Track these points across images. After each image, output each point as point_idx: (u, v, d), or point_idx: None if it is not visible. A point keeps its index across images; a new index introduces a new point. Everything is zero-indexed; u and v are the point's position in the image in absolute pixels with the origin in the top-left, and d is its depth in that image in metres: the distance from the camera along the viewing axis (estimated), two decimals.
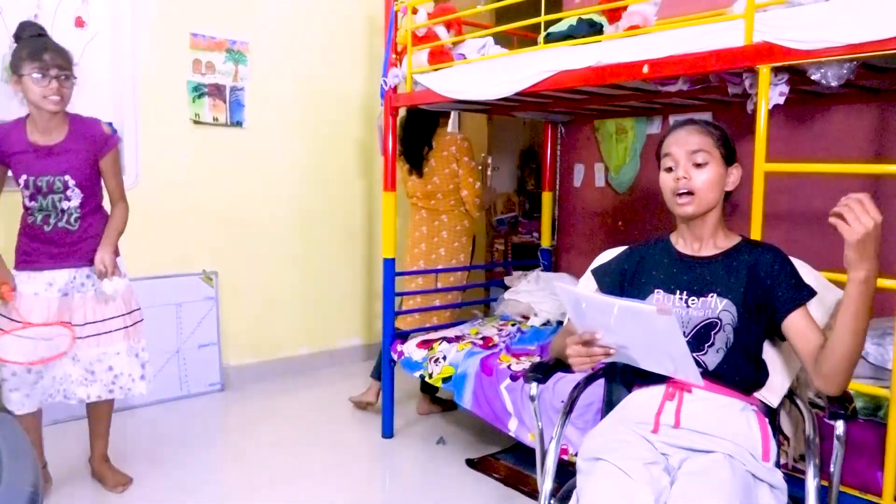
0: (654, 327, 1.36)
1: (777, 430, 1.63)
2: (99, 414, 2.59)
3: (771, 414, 1.60)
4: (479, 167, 3.58)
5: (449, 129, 3.56)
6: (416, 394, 3.55)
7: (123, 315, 2.50)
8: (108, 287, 2.36)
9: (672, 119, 3.19)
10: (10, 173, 2.39)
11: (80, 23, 3.31)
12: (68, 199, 2.39)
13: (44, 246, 2.40)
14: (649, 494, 1.32)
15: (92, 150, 2.43)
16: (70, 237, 2.42)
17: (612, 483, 1.35)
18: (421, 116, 3.26)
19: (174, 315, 3.60)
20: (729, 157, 1.59)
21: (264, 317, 3.99)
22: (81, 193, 2.41)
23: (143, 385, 2.54)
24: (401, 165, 3.35)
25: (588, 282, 1.81)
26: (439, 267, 3.35)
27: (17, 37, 2.35)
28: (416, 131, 3.29)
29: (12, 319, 2.33)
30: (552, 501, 1.58)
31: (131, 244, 3.47)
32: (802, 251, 1.66)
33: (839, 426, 1.39)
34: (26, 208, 2.40)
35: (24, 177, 2.34)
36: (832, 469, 1.43)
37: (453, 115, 3.67)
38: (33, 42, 2.30)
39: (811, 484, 1.38)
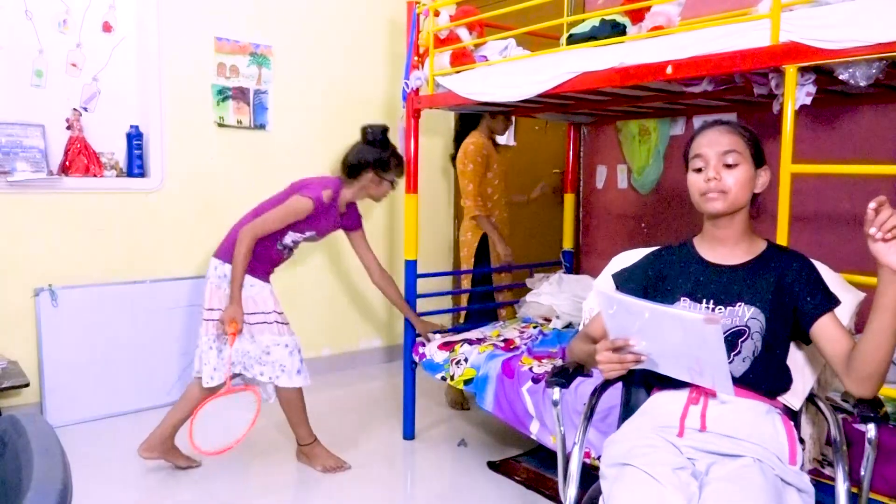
0: (695, 336, 1.32)
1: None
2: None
3: (793, 417, 1.58)
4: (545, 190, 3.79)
5: (504, 138, 3.69)
6: (437, 397, 3.54)
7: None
8: None
9: (696, 120, 3.16)
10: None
11: (107, 28, 3.38)
12: None
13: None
14: (681, 500, 1.29)
15: None
16: None
17: (644, 490, 1.32)
18: (463, 118, 3.49)
19: (200, 316, 3.62)
20: (758, 159, 1.57)
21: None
22: None
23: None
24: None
25: (608, 284, 1.77)
26: (462, 264, 3.50)
27: (374, 134, 2.74)
28: (458, 131, 3.52)
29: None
30: None
31: (157, 247, 3.54)
32: (829, 254, 1.64)
33: (871, 429, 1.36)
34: (284, 245, 2.79)
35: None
36: (863, 473, 1.40)
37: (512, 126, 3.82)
38: (397, 154, 2.79)
39: (841, 488, 1.35)
